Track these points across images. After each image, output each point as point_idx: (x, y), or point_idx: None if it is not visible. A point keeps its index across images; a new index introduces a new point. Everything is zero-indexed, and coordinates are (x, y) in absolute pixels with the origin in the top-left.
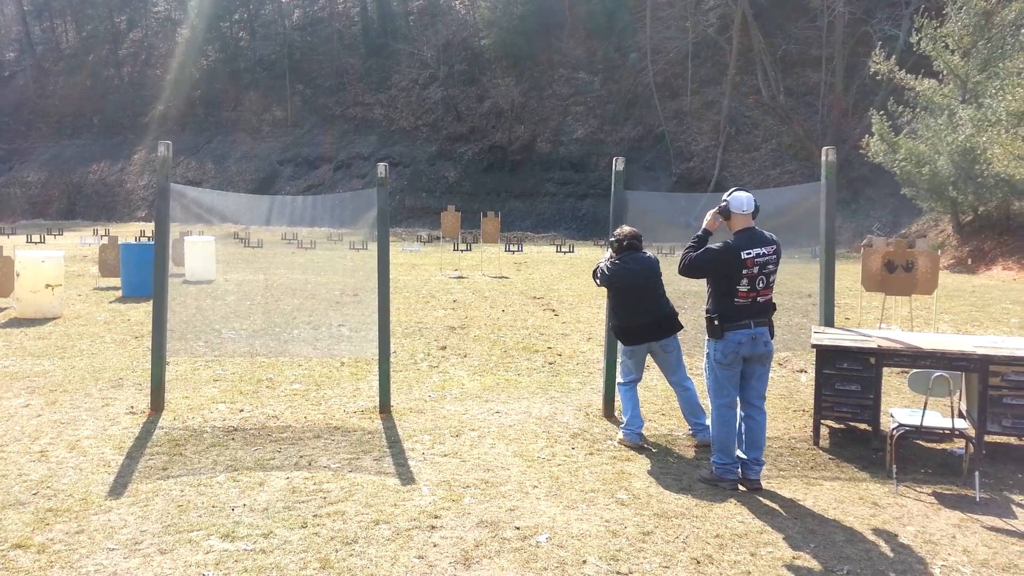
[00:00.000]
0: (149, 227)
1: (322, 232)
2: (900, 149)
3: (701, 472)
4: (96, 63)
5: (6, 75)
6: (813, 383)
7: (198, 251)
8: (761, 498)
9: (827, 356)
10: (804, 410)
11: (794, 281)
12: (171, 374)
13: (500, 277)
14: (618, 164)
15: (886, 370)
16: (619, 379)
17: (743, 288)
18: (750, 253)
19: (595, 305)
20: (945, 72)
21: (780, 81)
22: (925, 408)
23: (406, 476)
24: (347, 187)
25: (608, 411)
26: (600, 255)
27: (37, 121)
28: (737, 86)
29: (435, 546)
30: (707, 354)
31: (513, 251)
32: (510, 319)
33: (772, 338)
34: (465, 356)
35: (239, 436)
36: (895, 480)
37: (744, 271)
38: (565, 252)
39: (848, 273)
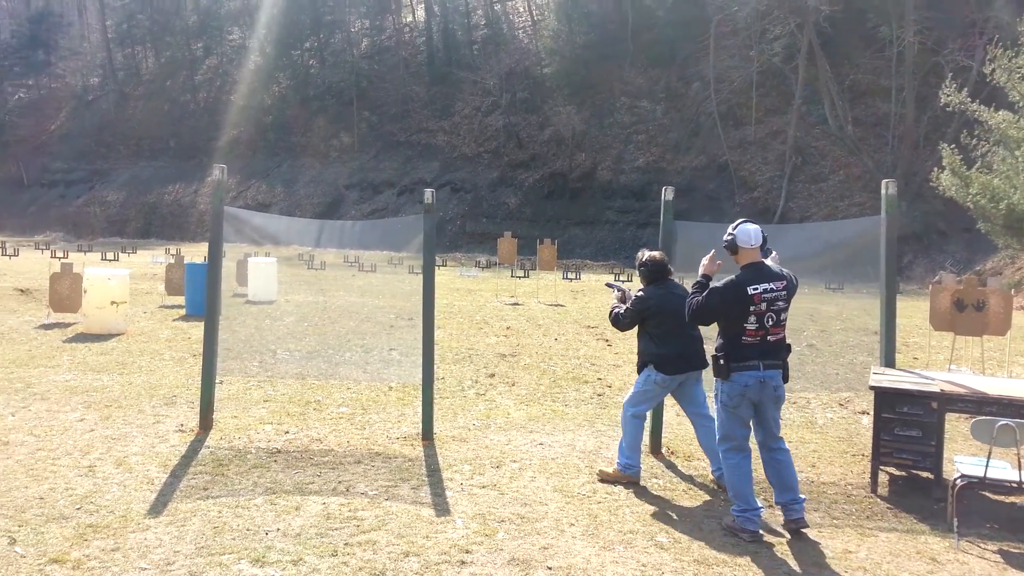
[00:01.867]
0: None
1: (383, 256)
2: (973, 183)
3: (724, 520)
4: (173, 88)
5: (90, 99)
6: None
7: (261, 272)
8: (810, 547)
9: (887, 399)
10: (863, 455)
11: (860, 318)
12: (223, 393)
13: (556, 305)
14: (667, 194)
15: (954, 415)
16: (631, 409)
17: (751, 326)
18: (757, 288)
19: None
20: (1021, 104)
21: (848, 111)
22: (989, 458)
23: (441, 507)
24: (410, 212)
25: (655, 447)
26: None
27: (117, 143)
28: (803, 116)
29: None
30: (715, 395)
31: (571, 279)
32: (562, 348)
33: (786, 382)
34: (513, 385)
35: (281, 458)
36: (956, 534)
37: (752, 307)
38: (623, 281)
39: (919, 311)
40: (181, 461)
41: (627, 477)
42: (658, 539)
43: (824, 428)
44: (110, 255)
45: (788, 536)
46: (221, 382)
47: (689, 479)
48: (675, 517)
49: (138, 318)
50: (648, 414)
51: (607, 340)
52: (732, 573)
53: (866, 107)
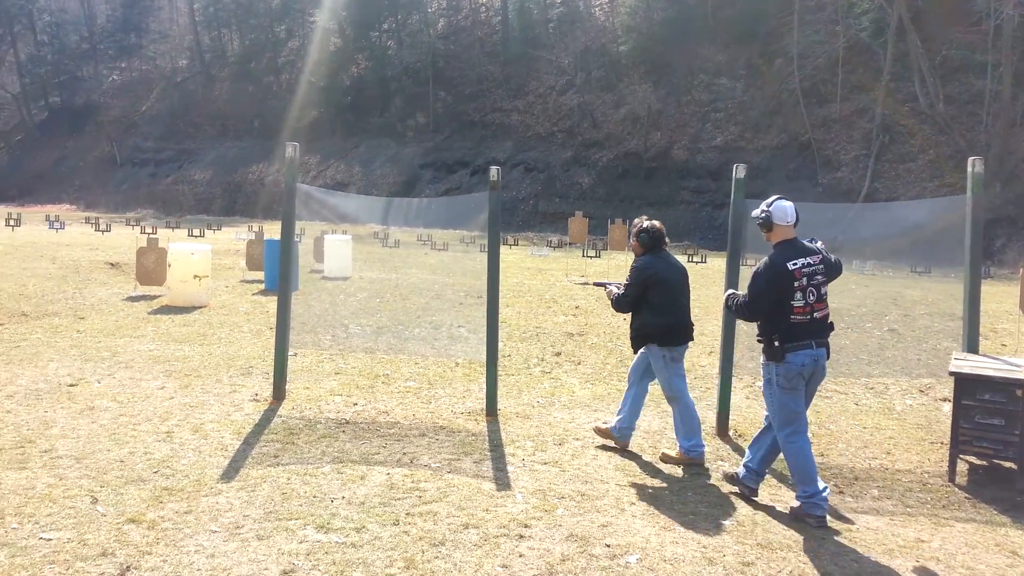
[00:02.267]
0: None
1: (455, 234)
2: None
3: (792, 507)
4: (257, 70)
5: (179, 81)
6: None
7: (337, 249)
8: (880, 535)
9: (967, 386)
10: (942, 443)
11: (946, 302)
12: (297, 365)
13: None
14: (739, 171)
15: None
16: (672, 391)
17: (798, 303)
18: (796, 263)
19: (720, 318)
20: None
21: (939, 88)
22: None
23: (503, 481)
24: (482, 191)
25: (722, 429)
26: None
27: (204, 123)
28: (892, 93)
29: (521, 556)
30: (767, 379)
31: None
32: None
33: (828, 357)
34: (579, 363)
35: (349, 429)
36: None
37: (795, 283)
38: (697, 262)
39: (1009, 296)
40: (254, 429)
41: (691, 459)
42: (721, 521)
43: (902, 415)
44: (196, 231)
45: (856, 524)
46: (295, 354)
47: None
48: (739, 500)
49: (220, 292)
50: (715, 396)
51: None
52: (797, 559)
53: (959, 84)
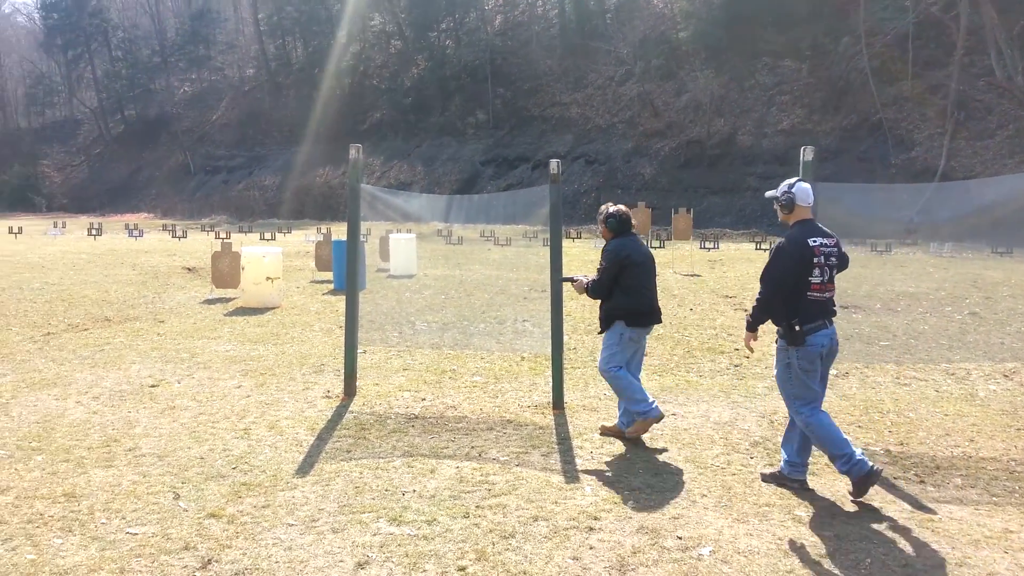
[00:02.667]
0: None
1: (519, 229)
2: None
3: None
4: (321, 75)
5: (246, 89)
6: None
7: (402, 248)
8: (963, 525)
9: None
10: None
11: None
12: (366, 362)
13: (692, 275)
14: (806, 154)
15: None
16: (612, 368)
17: (815, 280)
18: (816, 241)
19: None
20: None
21: (1018, 61)
22: None
23: (571, 474)
24: (544, 185)
25: None
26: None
27: (272, 130)
28: (966, 68)
29: (591, 548)
30: (786, 364)
31: (708, 248)
32: (697, 318)
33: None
34: (646, 355)
35: (418, 424)
36: None
37: (815, 260)
38: (765, 249)
39: None
40: (327, 425)
41: (648, 421)
42: (796, 513)
43: (986, 401)
44: (267, 235)
45: (938, 514)
46: (364, 352)
47: None
48: (815, 491)
49: (291, 293)
50: None
51: (746, 310)
52: (876, 550)
53: None
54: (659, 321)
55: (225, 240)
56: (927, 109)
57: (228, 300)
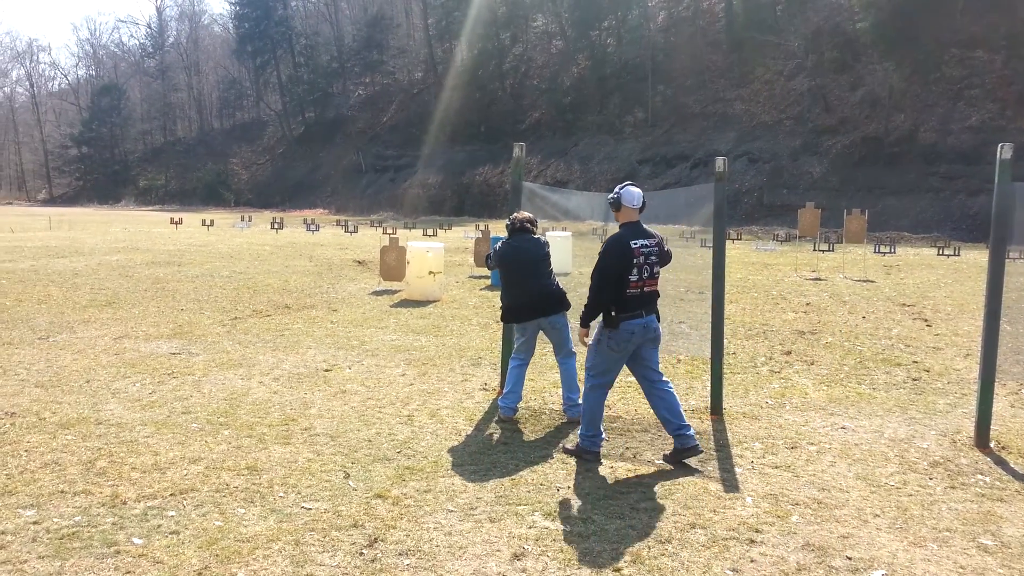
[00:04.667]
0: None
1: (674, 229)
2: None
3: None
4: (484, 77)
5: (415, 92)
6: None
7: (557, 245)
8: None
9: None
10: None
11: None
12: None
13: (864, 280)
14: (1004, 151)
15: None
16: (512, 358)
17: (633, 277)
18: (636, 243)
19: (979, 317)
20: None
21: None
22: None
23: (730, 483)
24: (703, 184)
25: (982, 440)
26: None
27: (437, 131)
28: None
29: (752, 561)
30: (598, 340)
31: (884, 252)
32: (871, 327)
33: (659, 321)
34: (812, 363)
35: (572, 421)
36: None
37: (634, 260)
38: (948, 255)
39: None
40: (484, 417)
41: (506, 417)
42: (981, 541)
43: None
44: (430, 231)
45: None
46: None
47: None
48: (1003, 518)
49: (451, 287)
50: (974, 404)
51: (925, 320)
52: None
53: None
54: (544, 314)
55: (392, 235)
56: None
57: (393, 292)
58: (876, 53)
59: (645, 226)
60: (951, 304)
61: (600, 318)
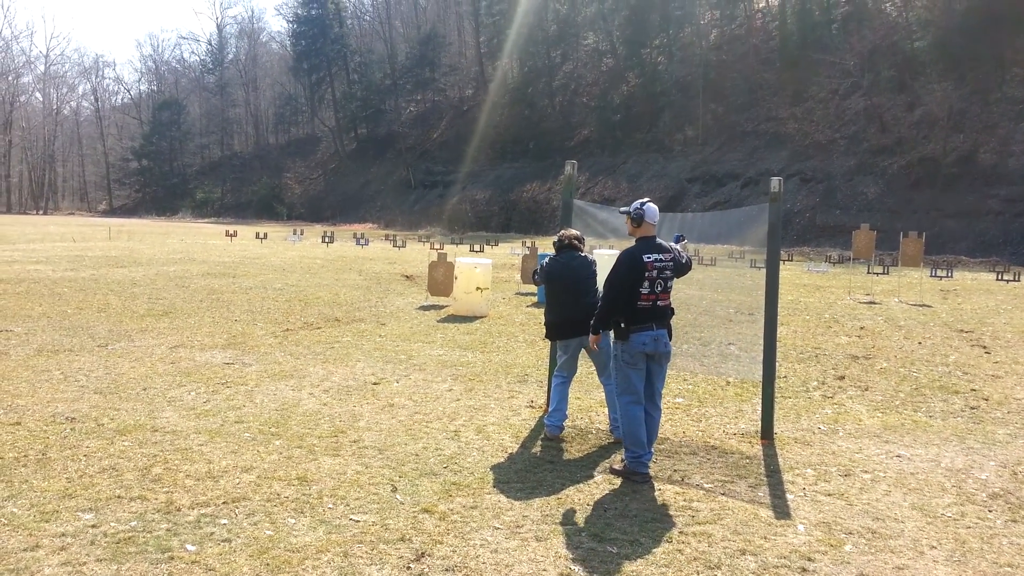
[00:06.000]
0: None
1: (723, 249)
2: None
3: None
4: (534, 94)
5: (465, 109)
6: None
7: (605, 263)
8: None
9: None
10: None
11: None
12: None
13: (920, 305)
14: None
15: None
16: (555, 375)
17: (644, 290)
18: (650, 257)
19: None
20: None
21: None
22: None
23: (781, 509)
24: (753, 204)
25: None
26: None
27: (486, 147)
28: None
29: None
30: (613, 356)
31: (940, 276)
32: (927, 353)
33: (671, 339)
34: (866, 389)
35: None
36: None
37: (646, 273)
38: (1008, 280)
39: None
40: (530, 434)
41: (552, 436)
42: None
43: None
44: (477, 247)
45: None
46: None
47: None
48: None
49: (498, 303)
50: None
51: (984, 347)
52: None
53: None
54: (585, 332)
55: (440, 251)
56: None
57: (441, 307)
58: (934, 72)
59: (660, 241)
60: (1011, 331)
61: (612, 333)
